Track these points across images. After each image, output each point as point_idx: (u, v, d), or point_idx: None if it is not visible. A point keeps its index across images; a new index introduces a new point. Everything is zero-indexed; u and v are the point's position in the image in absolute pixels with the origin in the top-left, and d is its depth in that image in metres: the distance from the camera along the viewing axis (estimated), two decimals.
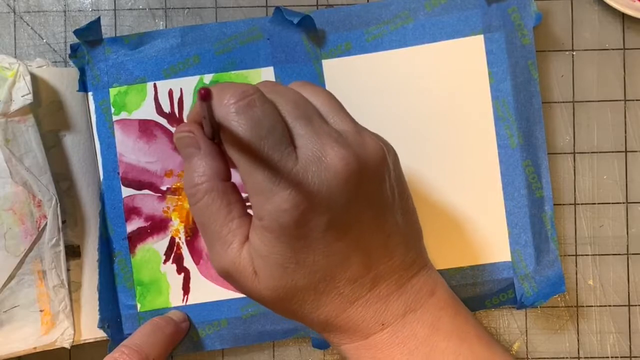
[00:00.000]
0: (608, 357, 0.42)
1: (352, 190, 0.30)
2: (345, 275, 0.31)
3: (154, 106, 0.41)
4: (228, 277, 0.32)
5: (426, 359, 0.33)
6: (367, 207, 0.31)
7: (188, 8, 0.42)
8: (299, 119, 0.30)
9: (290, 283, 0.31)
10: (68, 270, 0.40)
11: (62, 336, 0.39)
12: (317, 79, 0.41)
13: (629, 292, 0.42)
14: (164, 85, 0.41)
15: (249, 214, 0.32)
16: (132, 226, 0.41)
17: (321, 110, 0.32)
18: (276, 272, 0.31)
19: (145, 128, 0.41)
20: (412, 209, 0.34)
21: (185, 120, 0.41)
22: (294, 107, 0.31)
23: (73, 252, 0.41)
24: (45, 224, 0.39)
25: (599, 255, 0.42)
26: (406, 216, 0.33)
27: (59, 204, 0.39)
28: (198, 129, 0.32)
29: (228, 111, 0.29)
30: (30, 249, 0.39)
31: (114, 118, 0.41)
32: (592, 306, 0.42)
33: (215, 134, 0.31)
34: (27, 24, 0.42)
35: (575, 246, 0.42)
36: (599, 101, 0.42)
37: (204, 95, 0.26)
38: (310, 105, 0.32)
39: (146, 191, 0.41)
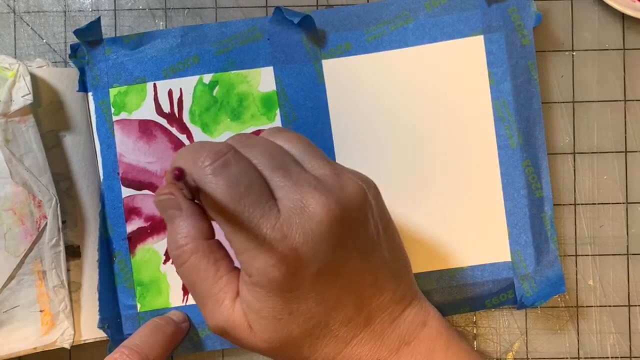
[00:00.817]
0: (608, 358, 0.42)
1: (338, 236, 0.30)
2: (339, 318, 0.31)
3: (154, 106, 0.41)
4: (224, 334, 0.32)
5: None
6: (353, 249, 0.31)
7: (188, 8, 0.42)
8: (276, 170, 0.30)
9: (285, 333, 0.31)
10: (68, 270, 0.40)
11: (62, 336, 0.39)
12: (317, 79, 0.41)
13: (629, 292, 0.42)
14: (163, 85, 0.41)
15: (236, 268, 0.32)
16: (132, 226, 0.41)
17: (296, 156, 0.32)
18: (270, 325, 0.31)
19: (145, 128, 0.41)
20: (397, 242, 0.34)
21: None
22: (270, 158, 0.31)
23: (73, 252, 0.41)
24: (45, 224, 0.39)
25: (599, 255, 0.42)
26: (393, 251, 0.33)
27: (59, 204, 0.39)
28: (177, 190, 0.32)
29: (204, 173, 0.29)
30: (30, 249, 0.39)
31: (114, 118, 0.41)
32: (592, 306, 0.42)
33: (195, 194, 0.31)
34: (27, 24, 0.42)
35: (575, 246, 0.42)
36: (599, 101, 0.42)
37: (178, 176, 0.26)
38: (286, 154, 0.31)
39: (146, 191, 0.41)
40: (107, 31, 0.42)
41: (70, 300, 0.40)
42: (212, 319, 0.32)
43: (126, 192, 0.41)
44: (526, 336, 0.42)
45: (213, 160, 0.29)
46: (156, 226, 0.42)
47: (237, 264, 0.32)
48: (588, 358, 0.42)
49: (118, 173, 0.41)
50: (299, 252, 0.29)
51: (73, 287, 0.40)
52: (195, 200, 0.32)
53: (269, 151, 0.31)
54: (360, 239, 0.31)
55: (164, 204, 0.32)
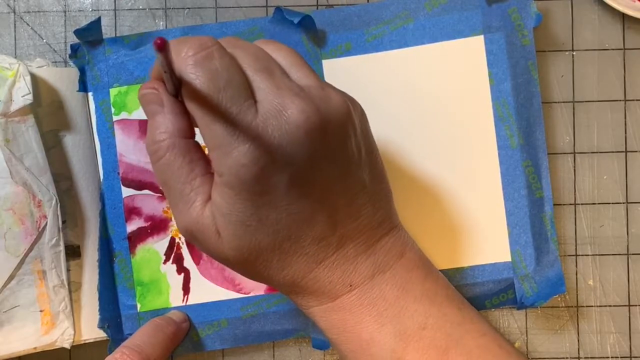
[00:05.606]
0: (608, 357, 0.42)
1: (314, 145, 0.29)
2: (310, 234, 0.31)
3: None
4: (192, 237, 0.31)
5: (396, 320, 0.32)
6: (331, 163, 0.30)
7: (188, 8, 0.42)
8: (259, 72, 0.30)
9: (253, 242, 0.30)
10: (68, 270, 0.40)
11: (62, 336, 0.39)
12: None
13: (629, 292, 0.42)
14: None
15: (212, 172, 0.31)
16: (132, 226, 0.41)
17: (284, 66, 0.31)
18: (238, 231, 0.30)
19: (146, 128, 0.41)
20: (380, 168, 0.33)
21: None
22: (255, 60, 0.30)
23: (73, 252, 0.41)
24: (45, 224, 0.39)
25: (599, 255, 0.42)
26: (374, 176, 0.33)
27: (59, 204, 0.39)
28: (161, 86, 0.31)
29: (186, 63, 0.29)
30: (30, 249, 0.39)
31: (114, 118, 0.41)
32: (592, 306, 0.42)
33: (178, 90, 0.30)
34: (27, 24, 0.42)
35: (575, 246, 0.42)
36: (599, 101, 0.42)
37: (160, 45, 0.25)
38: (272, 60, 0.31)
39: (146, 191, 0.41)
40: (107, 31, 0.42)
41: (71, 300, 0.40)
42: (181, 221, 0.31)
43: (126, 192, 0.41)
44: (526, 336, 0.42)
45: (195, 52, 0.29)
46: (156, 226, 0.42)
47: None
48: (588, 358, 0.42)
49: (118, 173, 0.41)
50: (272, 154, 0.28)
51: (73, 287, 0.40)
52: (179, 99, 0.31)
53: (254, 53, 0.30)
54: (339, 154, 0.30)
55: (147, 99, 0.32)
